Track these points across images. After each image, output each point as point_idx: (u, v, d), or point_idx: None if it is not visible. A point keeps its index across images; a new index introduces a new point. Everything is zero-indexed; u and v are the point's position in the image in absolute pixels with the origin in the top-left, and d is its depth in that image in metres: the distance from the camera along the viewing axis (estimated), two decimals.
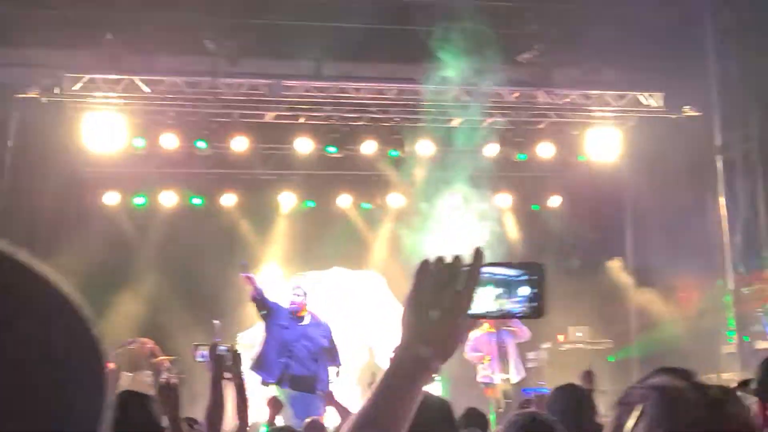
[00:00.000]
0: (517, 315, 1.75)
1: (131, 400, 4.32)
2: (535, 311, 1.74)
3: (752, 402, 3.11)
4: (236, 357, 5.78)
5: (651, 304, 17.63)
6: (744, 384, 3.19)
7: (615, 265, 17.93)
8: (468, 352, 13.35)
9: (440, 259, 1.71)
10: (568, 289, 16.13)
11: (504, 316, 1.76)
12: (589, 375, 6.66)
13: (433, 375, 1.70)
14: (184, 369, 14.39)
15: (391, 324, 16.87)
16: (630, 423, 1.61)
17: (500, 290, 1.73)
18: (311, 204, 17.05)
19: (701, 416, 1.57)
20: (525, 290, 1.73)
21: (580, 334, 16.45)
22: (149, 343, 14.43)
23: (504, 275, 1.74)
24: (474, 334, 13.48)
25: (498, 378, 13.31)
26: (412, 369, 1.68)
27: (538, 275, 1.75)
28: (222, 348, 5.60)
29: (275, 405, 7.16)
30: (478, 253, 1.70)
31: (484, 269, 1.71)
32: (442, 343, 1.69)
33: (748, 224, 15.77)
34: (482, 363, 13.42)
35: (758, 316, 14.42)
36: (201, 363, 6.36)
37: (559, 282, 16.02)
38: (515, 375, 13.44)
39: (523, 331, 13.79)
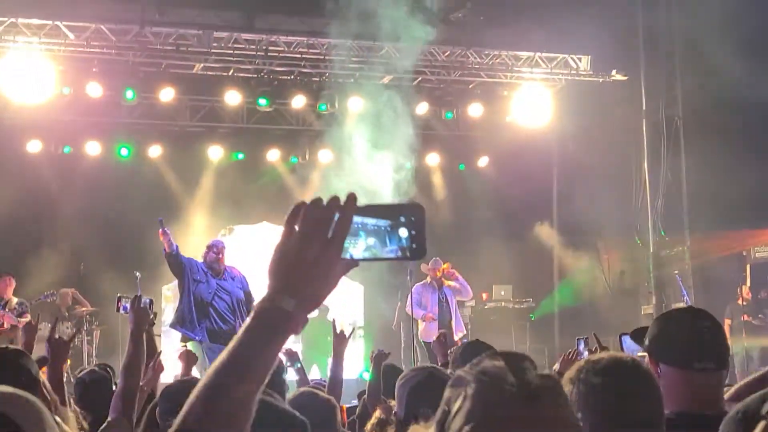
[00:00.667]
0: (399, 257, 1.70)
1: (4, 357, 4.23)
2: (414, 253, 1.70)
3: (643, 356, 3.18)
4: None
5: (574, 264, 17.94)
6: (638, 334, 3.24)
7: (541, 228, 18.18)
8: (413, 306, 13.43)
9: (315, 203, 1.64)
10: (493, 248, 16.35)
11: (379, 260, 1.71)
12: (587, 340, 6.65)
13: (297, 327, 1.63)
14: (106, 320, 14.33)
15: None
16: (455, 407, 1.60)
17: (377, 234, 1.69)
18: (240, 156, 16.89)
19: (514, 411, 1.56)
20: (404, 233, 1.69)
21: (504, 293, 16.67)
22: (70, 293, 14.28)
23: (377, 222, 1.69)
24: (416, 288, 13.56)
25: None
26: (274, 320, 1.62)
27: (416, 216, 1.70)
28: (145, 300, 5.52)
29: (189, 358, 7.10)
30: (350, 199, 1.64)
31: (359, 217, 1.66)
32: (308, 295, 1.63)
33: (671, 188, 16.06)
34: (425, 321, 13.51)
35: (675, 278, 14.73)
36: (123, 315, 6.32)
37: (485, 241, 16.25)
38: (456, 333, 13.53)
39: (466, 289, 13.88)
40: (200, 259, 12.05)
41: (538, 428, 1.55)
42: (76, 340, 13.71)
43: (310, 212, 1.64)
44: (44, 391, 4.01)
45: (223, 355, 1.63)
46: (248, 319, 1.64)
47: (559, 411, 1.59)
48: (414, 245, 1.70)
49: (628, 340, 3.43)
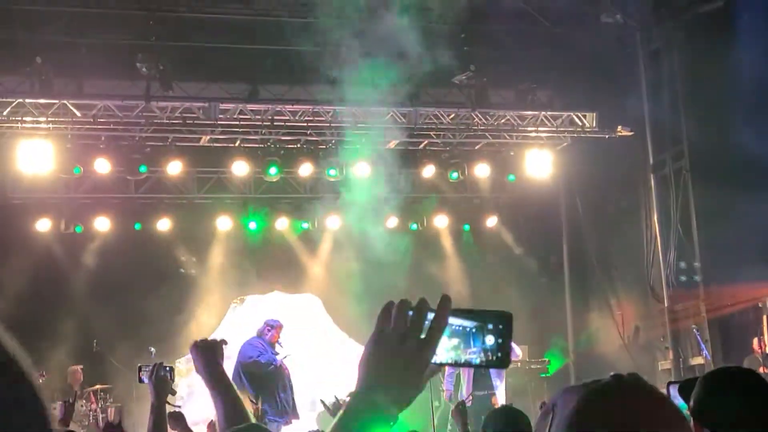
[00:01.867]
0: (478, 365, 1.70)
1: None
2: (499, 361, 1.70)
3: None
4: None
5: (588, 322, 17.82)
6: (686, 387, 3.14)
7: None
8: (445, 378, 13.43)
9: (404, 303, 1.66)
10: (505, 307, 16.19)
11: (463, 366, 1.72)
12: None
13: (390, 423, 1.64)
14: (119, 397, 14.21)
15: (328, 345, 16.81)
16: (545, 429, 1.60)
17: (461, 339, 1.69)
18: (252, 227, 16.87)
19: (608, 384, 1.59)
20: (490, 340, 1.68)
21: (520, 353, 16.51)
22: (79, 370, 14.18)
23: (465, 326, 1.69)
24: None
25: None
26: (367, 415, 1.64)
27: (503, 324, 1.70)
28: (165, 368, 5.41)
29: (177, 419, 7.01)
30: (444, 301, 1.66)
31: (450, 320, 1.67)
32: (400, 391, 1.65)
33: (681, 241, 15.99)
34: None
35: (692, 332, 14.59)
36: (140, 388, 6.22)
37: (496, 301, 16.16)
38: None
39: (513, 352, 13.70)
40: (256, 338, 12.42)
41: (634, 398, 1.58)
42: (91, 417, 13.61)
43: (402, 311, 1.65)
44: None
45: None
46: (341, 412, 1.66)
47: (648, 385, 1.62)
48: (499, 354, 1.69)
49: (674, 392, 3.33)
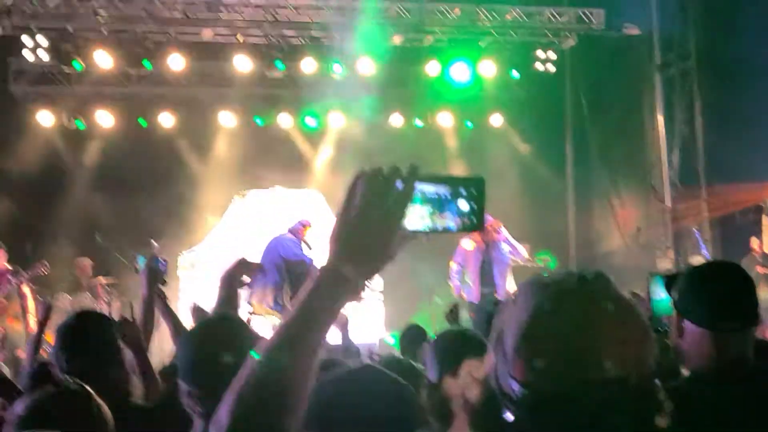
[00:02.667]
0: (454, 230, 1.71)
1: (90, 320, 4.23)
2: (473, 226, 1.71)
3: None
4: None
5: (590, 221, 17.89)
6: (670, 281, 3.16)
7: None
8: (451, 275, 13.49)
9: (375, 172, 1.65)
10: (509, 208, 16.30)
11: (437, 232, 1.70)
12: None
13: (358, 294, 1.65)
14: (125, 291, 14.37)
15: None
16: (505, 320, 1.62)
17: (435, 205, 1.69)
18: (259, 121, 16.82)
19: (564, 290, 1.59)
20: (463, 204, 1.70)
21: (525, 253, 16.61)
22: (88, 262, 14.32)
23: (439, 191, 1.69)
24: (459, 249, 13.50)
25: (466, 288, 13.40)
26: (335, 287, 1.63)
27: (476, 189, 1.71)
28: (160, 261, 5.46)
29: (200, 313, 7.09)
30: (412, 169, 1.66)
31: (420, 185, 1.67)
32: (369, 262, 1.64)
33: (685, 142, 15.95)
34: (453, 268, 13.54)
35: (693, 232, 14.67)
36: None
37: (500, 202, 16.18)
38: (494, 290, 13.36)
39: (516, 251, 13.73)
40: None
41: (590, 303, 1.58)
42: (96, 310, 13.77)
43: (372, 181, 1.64)
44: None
45: (280, 325, 1.65)
46: (308, 284, 1.65)
47: (608, 287, 1.62)
48: (473, 218, 1.71)
49: (655, 284, 3.35)
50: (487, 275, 13.40)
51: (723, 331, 2.93)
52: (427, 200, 1.68)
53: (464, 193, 1.70)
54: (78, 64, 14.47)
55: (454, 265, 13.59)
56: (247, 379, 1.60)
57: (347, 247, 1.64)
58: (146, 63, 14.86)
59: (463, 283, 13.57)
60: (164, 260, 5.52)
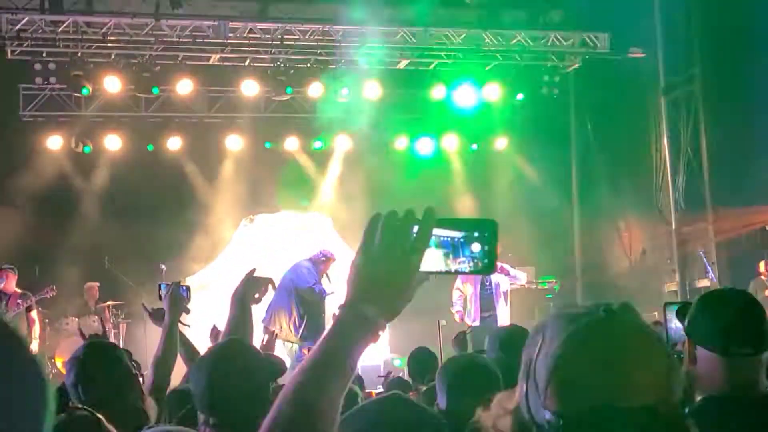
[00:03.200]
0: (468, 272, 1.77)
1: (101, 350, 4.21)
2: (485, 268, 1.75)
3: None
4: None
5: (596, 244, 17.90)
6: (683, 310, 3.22)
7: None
8: (453, 297, 13.53)
9: (391, 215, 1.68)
10: (513, 230, 16.30)
11: (451, 274, 1.76)
12: None
13: (377, 334, 1.69)
14: (131, 314, 14.42)
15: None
16: (534, 354, 1.65)
17: (450, 248, 1.74)
18: (268, 145, 16.90)
19: (594, 323, 1.62)
20: (476, 247, 1.74)
21: (526, 275, 16.61)
22: (96, 287, 14.37)
23: (452, 236, 1.73)
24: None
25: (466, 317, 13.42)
26: (355, 328, 1.67)
27: (489, 232, 1.75)
28: (183, 288, 5.41)
29: (217, 335, 7.09)
30: (428, 213, 1.69)
31: (436, 230, 1.71)
32: (388, 302, 1.68)
33: (691, 165, 15.99)
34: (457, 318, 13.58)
35: (699, 254, 14.69)
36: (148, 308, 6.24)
37: (504, 223, 16.16)
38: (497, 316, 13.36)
39: (515, 277, 13.76)
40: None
41: (620, 334, 1.62)
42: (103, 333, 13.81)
43: (389, 223, 1.68)
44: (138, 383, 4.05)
45: (307, 360, 1.69)
46: (331, 326, 1.70)
47: (635, 319, 1.66)
48: (486, 260, 1.75)
49: (670, 313, 3.40)
50: (486, 300, 13.44)
51: (735, 356, 2.97)
52: (441, 244, 1.73)
53: (477, 235, 1.75)
54: (87, 89, 14.52)
55: (455, 293, 13.66)
56: (276, 418, 1.65)
57: (367, 288, 1.68)
58: (155, 89, 14.93)
59: (465, 310, 13.63)
60: (186, 287, 5.50)
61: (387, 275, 1.67)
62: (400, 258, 1.67)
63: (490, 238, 1.75)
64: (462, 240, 1.75)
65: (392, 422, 2.35)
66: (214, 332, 6.56)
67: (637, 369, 1.59)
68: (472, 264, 1.75)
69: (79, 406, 3.59)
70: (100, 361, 4.00)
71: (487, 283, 13.38)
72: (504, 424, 1.69)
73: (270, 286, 4.33)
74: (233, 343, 3.59)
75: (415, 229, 1.68)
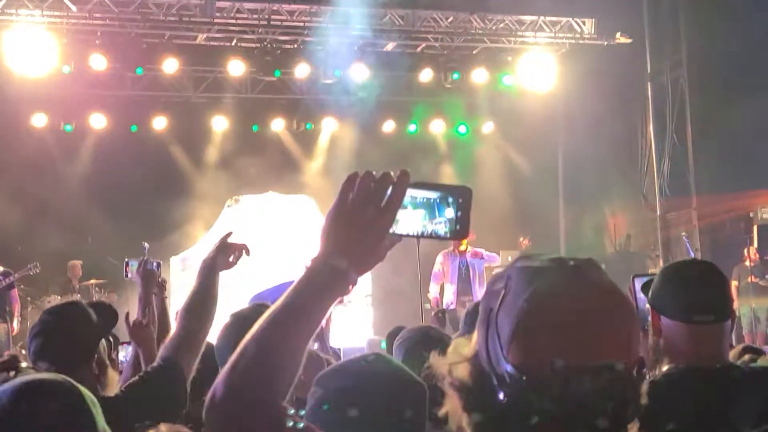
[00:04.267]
0: (441, 236, 1.77)
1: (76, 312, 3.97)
2: (458, 233, 1.78)
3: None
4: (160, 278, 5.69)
5: (581, 229, 17.93)
6: (646, 285, 3.24)
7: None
8: (431, 278, 13.56)
9: (368, 175, 1.73)
10: (499, 213, 16.36)
11: (424, 237, 1.78)
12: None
13: (348, 287, 1.71)
14: (115, 289, 14.41)
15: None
16: (495, 304, 1.66)
17: (424, 211, 1.76)
18: (255, 128, 16.88)
19: (561, 279, 1.63)
20: (450, 212, 1.76)
21: (510, 258, 16.62)
22: (79, 265, 14.36)
23: (428, 198, 1.76)
24: (438, 257, 13.61)
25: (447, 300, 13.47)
26: (326, 279, 1.70)
27: (463, 198, 1.77)
28: (152, 263, 5.46)
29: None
30: (403, 174, 1.73)
31: (411, 191, 1.74)
32: (360, 256, 1.71)
33: (676, 151, 16.03)
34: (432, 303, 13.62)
35: (682, 239, 14.74)
36: (133, 283, 6.28)
37: (491, 206, 16.24)
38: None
39: (491, 258, 13.84)
40: None
41: (586, 291, 1.62)
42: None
43: (365, 182, 1.72)
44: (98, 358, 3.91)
45: (273, 308, 1.71)
46: (300, 276, 1.73)
47: (602, 276, 1.66)
48: (458, 226, 1.77)
49: (638, 283, 3.42)
50: (463, 283, 13.50)
51: (698, 324, 2.98)
52: (417, 205, 1.76)
53: (452, 201, 1.77)
54: (68, 67, 14.40)
55: (435, 273, 13.71)
56: (241, 355, 1.68)
57: (339, 241, 1.71)
58: (139, 70, 14.84)
59: (441, 296, 13.69)
60: (157, 262, 5.56)
61: (359, 231, 1.71)
62: (372, 216, 1.71)
63: (465, 204, 1.77)
64: (434, 201, 1.77)
65: (375, 378, 2.37)
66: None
67: (602, 327, 1.60)
68: (442, 226, 1.77)
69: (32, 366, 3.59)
70: (73, 320, 3.84)
71: (462, 266, 13.47)
72: (461, 371, 1.70)
73: (244, 251, 4.06)
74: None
75: (390, 188, 1.72)
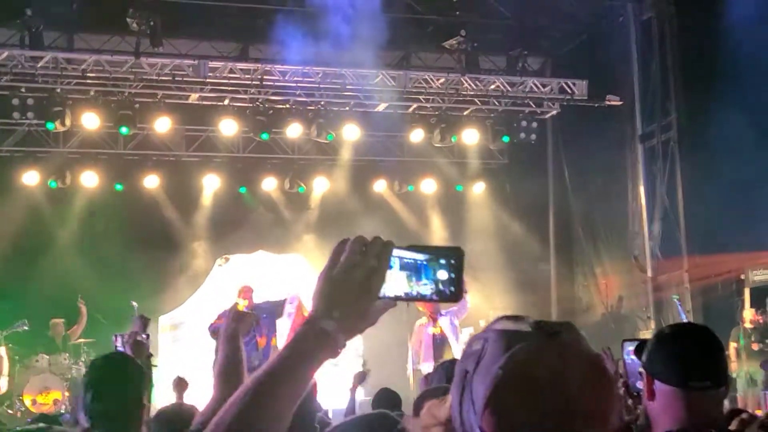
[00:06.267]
0: (430, 298, 1.75)
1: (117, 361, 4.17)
2: (452, 295, 1.75)
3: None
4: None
5: (572, 290, 17.91)
6: (640, 348, 3.21)
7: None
8: (413, 355, 13.50)
9: (358, 239, 1.73)
10: (489, 275, 16.34)
11: (416, 299, 1.77)
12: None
13: (337, 350, 1.70)
14: (104, 351, 14.25)
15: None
16: (471, 367, 1.63)
17: (412, 274, 1.74)
18: (242, 190, 16.91)
19: (538, 346, 1.60)
20: (443, 274, 1.74)
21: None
22: (60, 323, 14.26)
23: (416, 259, 1.74)
24: (416, 329, 13.55)
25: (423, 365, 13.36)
26: (314, 342, 1.69)
27: (456, 259, 1.75)
28: (143, 336, 5.59)
29: (181, 386, 7.11)
30: (388, 242, 1.73)
31: (401, 253, 1.73)
32: (349, 319, 1.70)
33: (667, 212, 16.05)
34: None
35: (673, 300, 14.70)
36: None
37: (481, 268, 16.23)
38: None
39: (461, 306, 13.63)
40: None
41: (563, 359, 1.60)
42: (73, 371, 13.68)
43: (355, 246, 1.73)
44: None
45: (264, 366, 1.70)
46: (291, 338, 1.72)
47: (581, 342, 1.64)
48: (452, 288, 1.74)
49: (628, 348, 3.39)
50: (438, 349, 13.39)
51: (694, 390, 2.95)
52: (404, 267, 1.74)
53: (444, 263, 1.74)
54: (52, 125, 14.33)
55: (411, 350, 13.68)
56: (225, 415, 1.66)
57: (329, 304, 1.70)
58: (123, 129, 14.74)
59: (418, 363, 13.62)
60: (146, 334, 5.66)
61: (348, 294, 1.70)
62: (361, 279, 1.70)
63: (457, 266, 1.74)
64: (425, 263, 1.75)
65: None
66: (177, 383, 6.66)
67: (579, 395, 1.58)
68: (434, 288, 1.74)
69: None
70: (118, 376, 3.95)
71: (437, 335, 13.36)
72: None
73: (255, 322, 4.28)
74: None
75: (379, 251, 1.72)
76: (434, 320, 13.52)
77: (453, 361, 5.43)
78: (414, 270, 1.74)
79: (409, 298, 1.75)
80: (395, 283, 1.73)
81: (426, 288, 1.74)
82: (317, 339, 1.69)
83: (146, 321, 5.74)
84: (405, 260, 1.74)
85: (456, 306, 13.49)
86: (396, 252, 1.73)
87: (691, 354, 3.00)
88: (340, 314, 1.69)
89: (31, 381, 13.21)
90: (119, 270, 15.03)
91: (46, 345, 14.01)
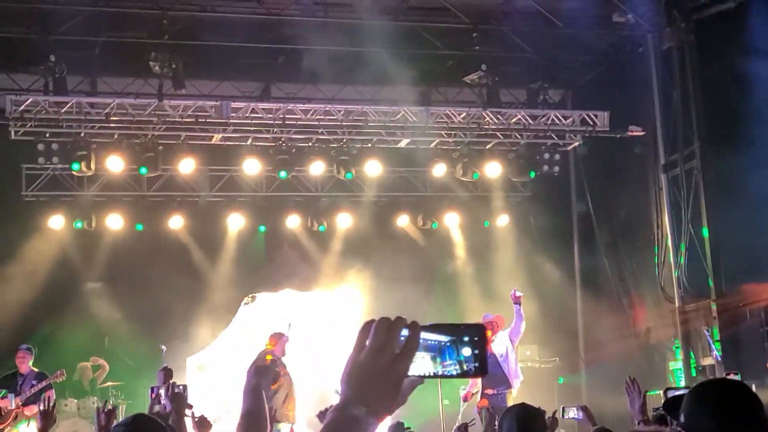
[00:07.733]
0: (456, 376, 1.79)
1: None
2: (477, 371, 1.79)
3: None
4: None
5: (599, 322, 17.78)
6: (672, 405, 3.18)
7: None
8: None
9: (382, 321, 1.75)
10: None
11: (443, 377, 1.80)
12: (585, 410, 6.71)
13: None
14: (132, 394, 14.31)
15: (340, 342, 16.64)
16: None
17: (437, 355, 1.78)
18: (262, 229, 16.95)
19: None
20: (467, 351, 1.78)
21: (529, 353, 16.51)
22: (89, 366, 14.29)
23: (440, 341, 1.78)
24: None
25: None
26: (345, 428, 1.72)
27: (479, 336, 1.79)
28: (179, 386, 5.63)
29: (202, 425, 7.09)
30: (414, 323, 1.76)
31: (425, 335, 1.77)
32: (379, 402, 1.73)
33: (692, 242, 15.96)
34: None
35: (702, 332, 14.58)
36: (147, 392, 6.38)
37: (507, 301, 16.12)
38: (512, 382, 13.13)
39: (515, 329, 13.38)
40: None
41: None
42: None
43: (380, 328, 1.75)
44: None
45: None
46: (323, 427, 1.75)
47: None
48: (477, 364, 1.79)
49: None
50: (493, 375, 13.19)
51: None
52: (429, 349, 1.78)
53: (467, 340, 1.79)
54: (77, 164, 14.44)
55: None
56: None
57: (356, 389, 1.74)
58: (143, 170, 14.82)
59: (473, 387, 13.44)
60: (183, 386, 5.70)
61: (376, 377, 1.73)
62: (388, 361, 1.73)
63: (480, 343, 1.79)
64: (449, 344, 1.79)
65: None
66: (199, 423, 6.66)
67: None
68: (460, 367, 1.78)
69: None
70: None
71: (492, 355, 13.07)
72: None
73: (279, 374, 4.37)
74: None
75: (405, 332, 1.75)
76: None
77: (523, 408, 5.42)
78: (438, 351, 1.79)
79: (435, 377, 1.79)
80: (421, 363, 1.77)
81: (451, 367, 1.79)
82: (347, 425, 1.71)
83: (170, 372, 5.77)
84: (429, 342, 1.78)
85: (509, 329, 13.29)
86: (421, 334, 1.77)
87: (736, 412, 2.97)
88: (369, 398, 1.72)
89: (61, 426, 13.22)
90: (146, 313, 15.07)
91: (74, 389, 14.05)
